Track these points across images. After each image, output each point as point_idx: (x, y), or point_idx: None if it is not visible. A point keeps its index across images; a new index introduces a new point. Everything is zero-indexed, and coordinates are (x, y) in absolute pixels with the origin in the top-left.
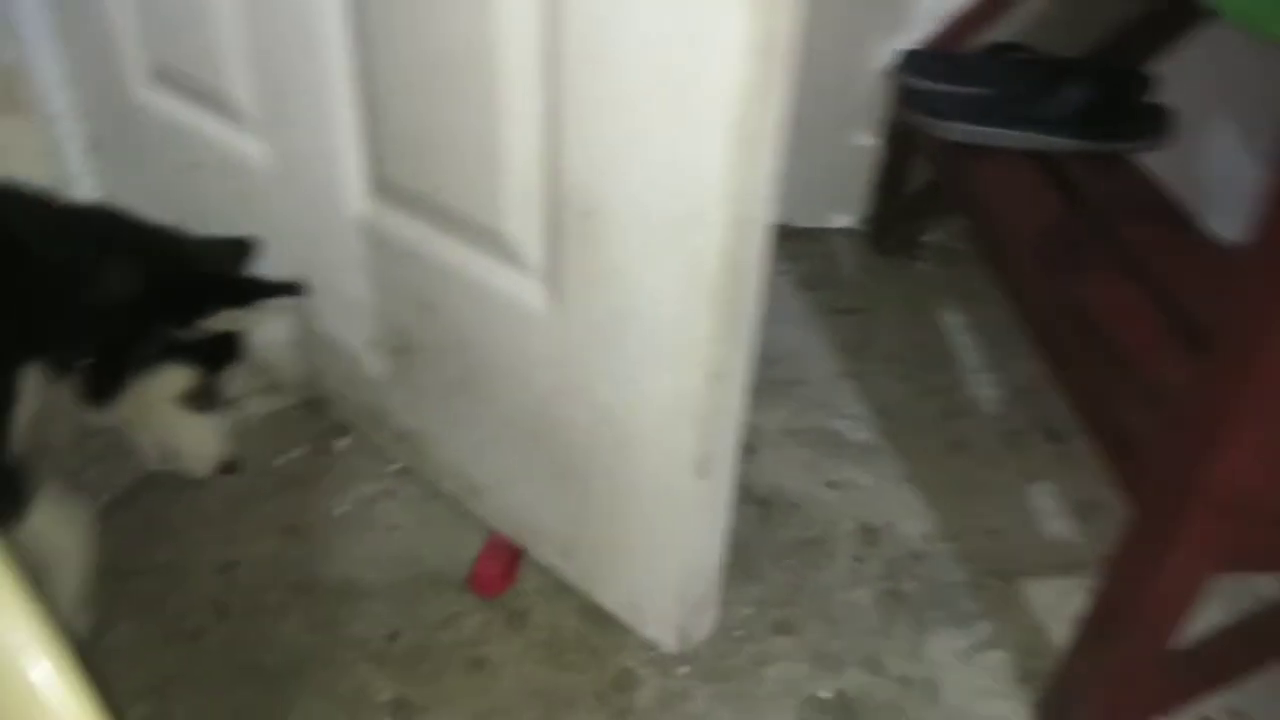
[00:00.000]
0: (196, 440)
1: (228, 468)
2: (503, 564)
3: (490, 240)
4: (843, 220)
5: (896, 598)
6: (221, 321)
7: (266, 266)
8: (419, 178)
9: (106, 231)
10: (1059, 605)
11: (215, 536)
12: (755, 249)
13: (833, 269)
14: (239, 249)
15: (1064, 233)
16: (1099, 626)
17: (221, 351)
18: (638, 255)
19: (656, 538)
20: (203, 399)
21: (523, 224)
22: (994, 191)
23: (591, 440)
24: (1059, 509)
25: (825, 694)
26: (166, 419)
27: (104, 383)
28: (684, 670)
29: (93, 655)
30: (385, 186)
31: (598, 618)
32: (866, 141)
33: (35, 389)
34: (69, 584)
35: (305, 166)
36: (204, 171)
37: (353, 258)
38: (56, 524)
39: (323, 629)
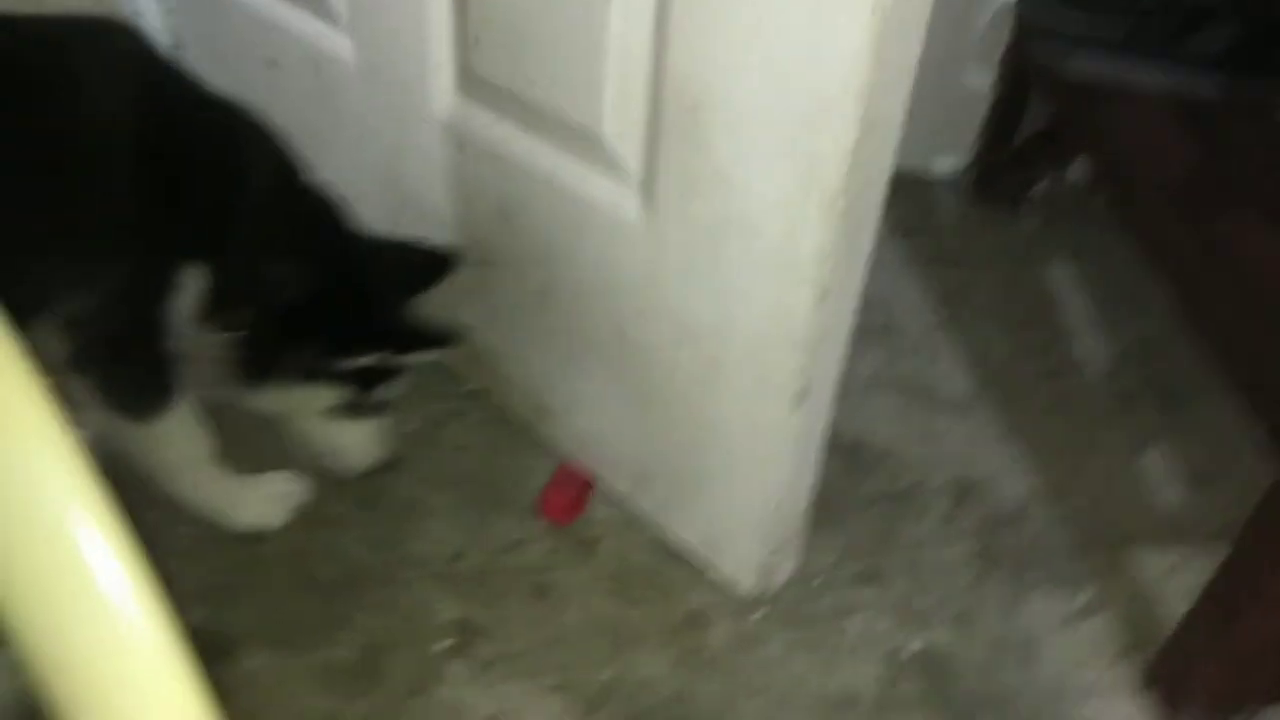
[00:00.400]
0: (351, 442)
1: (387, 465)
2: (572, 492)
3: (583, 142)
4: (945, 166)
5: (991, 557)
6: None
7: (342, 170)
8: (510, 72)
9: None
10: (1169, 577)
11: (280, 445)
12: (884, 153)
13: (932, 216)
14: (438, 263)
15: (1205, 180)
16: (1224, 600)
17: (375, 376)
18: (748, 156)
19: (741, 472)
20: (354, 409)
21: (621, 123)
22: (1127, 135)
23: (677, 364)
24: (1172, 476)
25: (911, 650)
26: (316, 423)
27: (252, 366)
28: (759, 614)
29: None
30: (473, 82)
31: (669, 554)
32: (979, 80)
33: (196, 293)
34: (182, 492)
35: (390, 62)
36: (284, 71)
37: (434, 162)
38: (182, 435)
39: (384, 546)
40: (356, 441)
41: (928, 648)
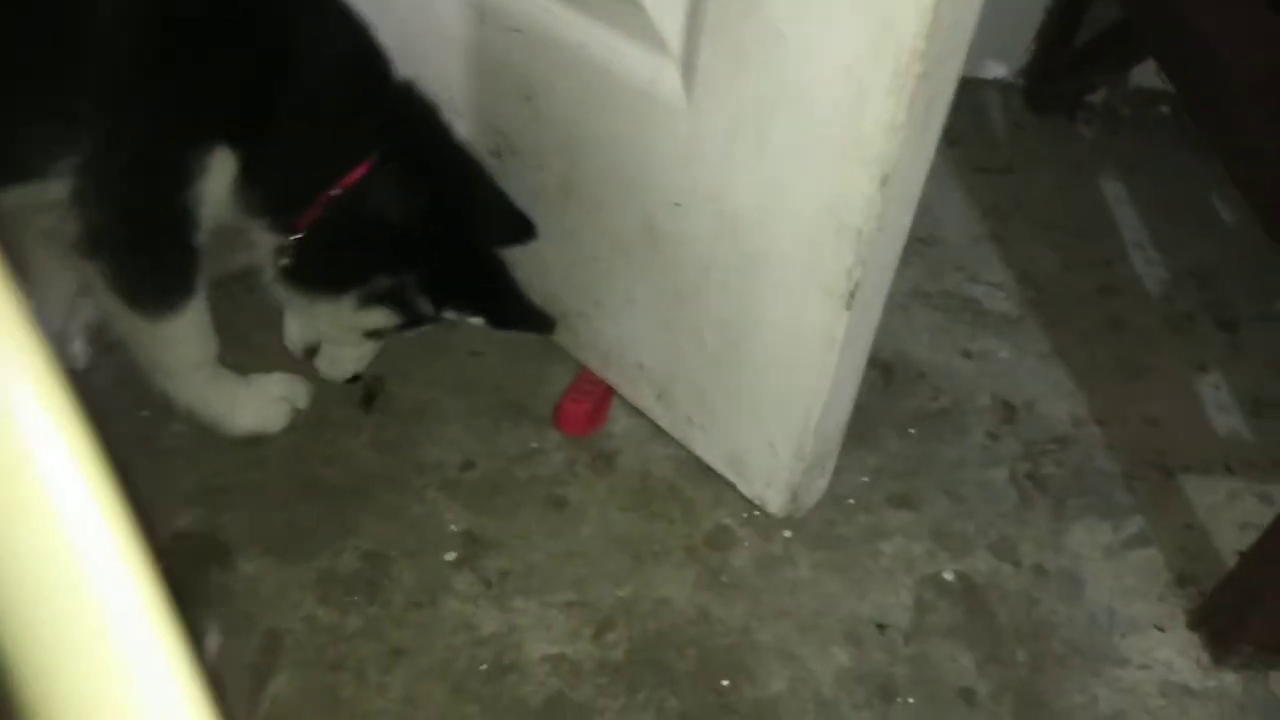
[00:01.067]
0: (347, 356)
1: (356, 381)
2: (591, 402)
3: (617, 8)
4: (997, 70)
5: (1036, 481)
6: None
7: None
8: None
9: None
10: (1224, 506)
11: (278, 344)
12: (968, 12)
13: (982, 123)
14: (517, 225)
15: None
16: None
17: (433, 319)
18: (810, 12)
19: (777, 382)
20: (380, 334)
21: None
22: (1209, 28)
23: (714, 259)
24: (1229, 403)
25: (947, 575)
26: (337, 335)
27: (307, 273)
28: (787, 534)
29: (146, 452)
30: None
31: (693, 470)
32: None
33: (224, 177)
34: (179, 392)
35: None
36: None
37: (452, 37)
38: (191, 336)
39: (392, 450)
40: (350, 357)
41: (965, 575)
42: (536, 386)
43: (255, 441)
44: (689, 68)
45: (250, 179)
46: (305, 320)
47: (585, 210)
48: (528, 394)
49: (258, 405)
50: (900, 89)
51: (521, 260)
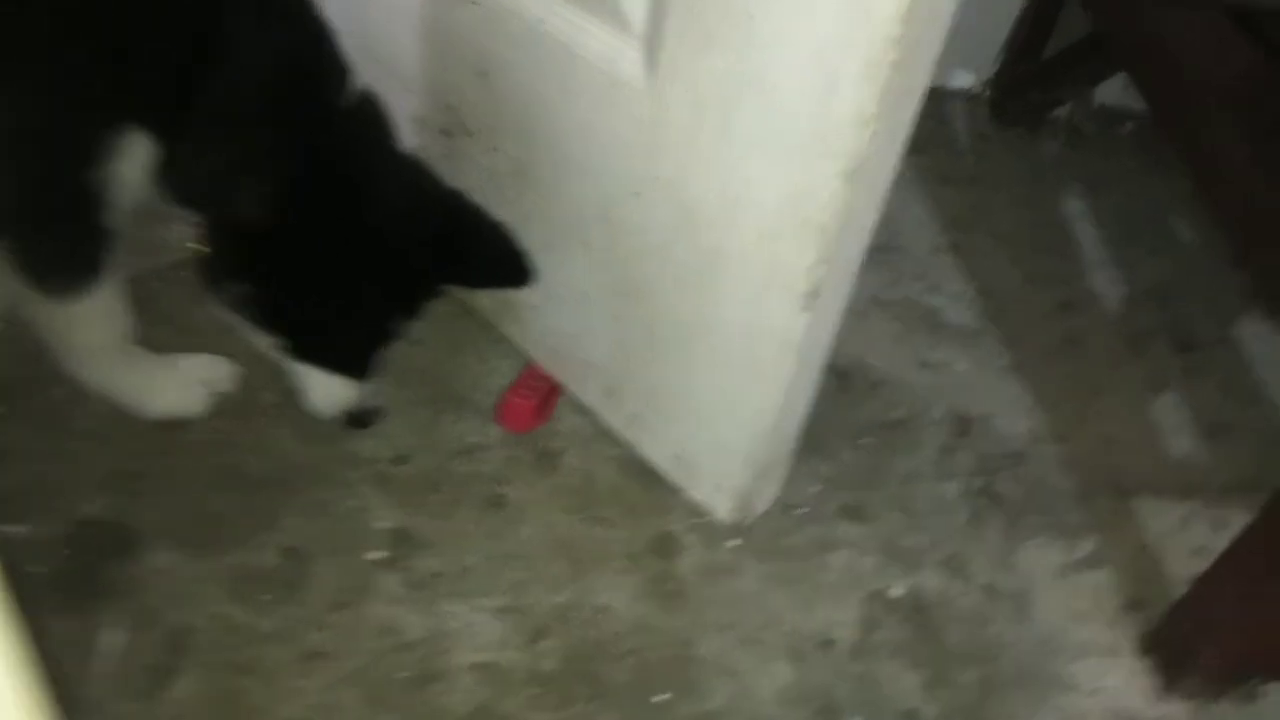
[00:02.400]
0: (318, 387)
1: (358, 420)
2: (536, 398)
3: None
4: (963, 80)
5: (989, 497)
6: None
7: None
8: None
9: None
10: (1178, 531)
11: (212, 324)
12: None
13: (944, 133)
14: (510, 267)
15: (1266, 91)
16: (1245, 567)
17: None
18: None
19: (730, 383)
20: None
21: None
22: (1178, 43)
23: (670, 254)
24: (1185, 425)
25: (896, 592)
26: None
27: (207, 274)
28: (734, 543)
29: (55, 433)
30: None
31: (639, 472)
32: None
33: (137, 161)
34: (88, 374)
35: None
36: None
37: (405, 7)
38: (101, 318)
39: (321, 441)
40: (325, 392)
41: (914, 591)
42: (480, 379)
43: (174, 426)
44: (652, 47)
45: (169, 168)
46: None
47: (539, 196)
48: (470, 386)
49: (175, 388)
50: (873, 78)
51: None
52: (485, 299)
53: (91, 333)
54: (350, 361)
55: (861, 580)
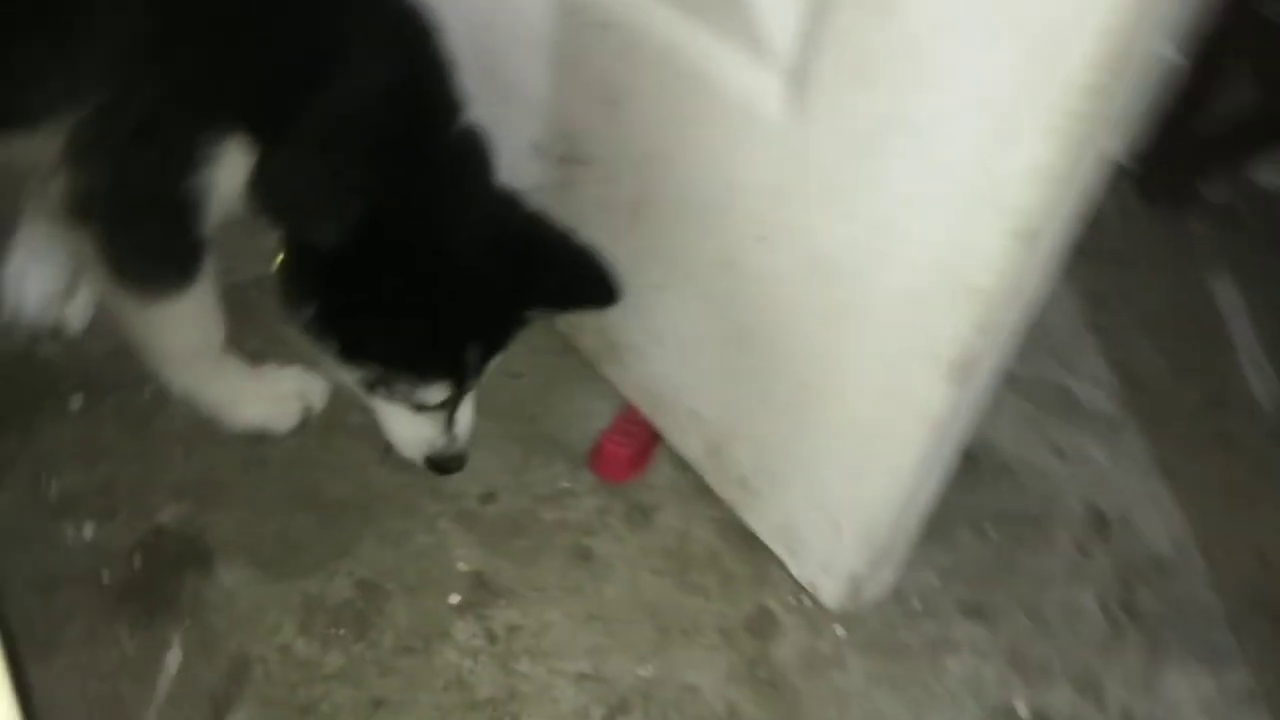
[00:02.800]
0: (400, 431)
1: (440, 465)
2: (634, 447)
3: (720, 6)
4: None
5: (1129, 609)
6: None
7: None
8: None
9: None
10: None
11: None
12: (1150, 33)
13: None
14: (597, 289)
15: None
16: None
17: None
18: (957, 22)
19: (853, 454)
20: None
21: None
22: None
23: (796, 302)
24: None
25: (1021, 709)
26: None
27: (286, 298)
28: (840, 631)
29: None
30: None
31: (739, 538)
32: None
33: (237, 168)
34: (176, 379)
35: None
36: None
37: (533, 29)
38: (193, 322)
39: (405, 468)
40: (406, 433)
41: (1041, 710)
42: (575, 421)
43: (259, 440)
44: (798, 79)
45: (261, 178)
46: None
47: (655, 233)
48: (564, 427)
49: (266, 400)
50: (1057, 129)
51: None
52: (588, 337)
53: (181, 337)
54: (426, 388)
55: (983, 691)
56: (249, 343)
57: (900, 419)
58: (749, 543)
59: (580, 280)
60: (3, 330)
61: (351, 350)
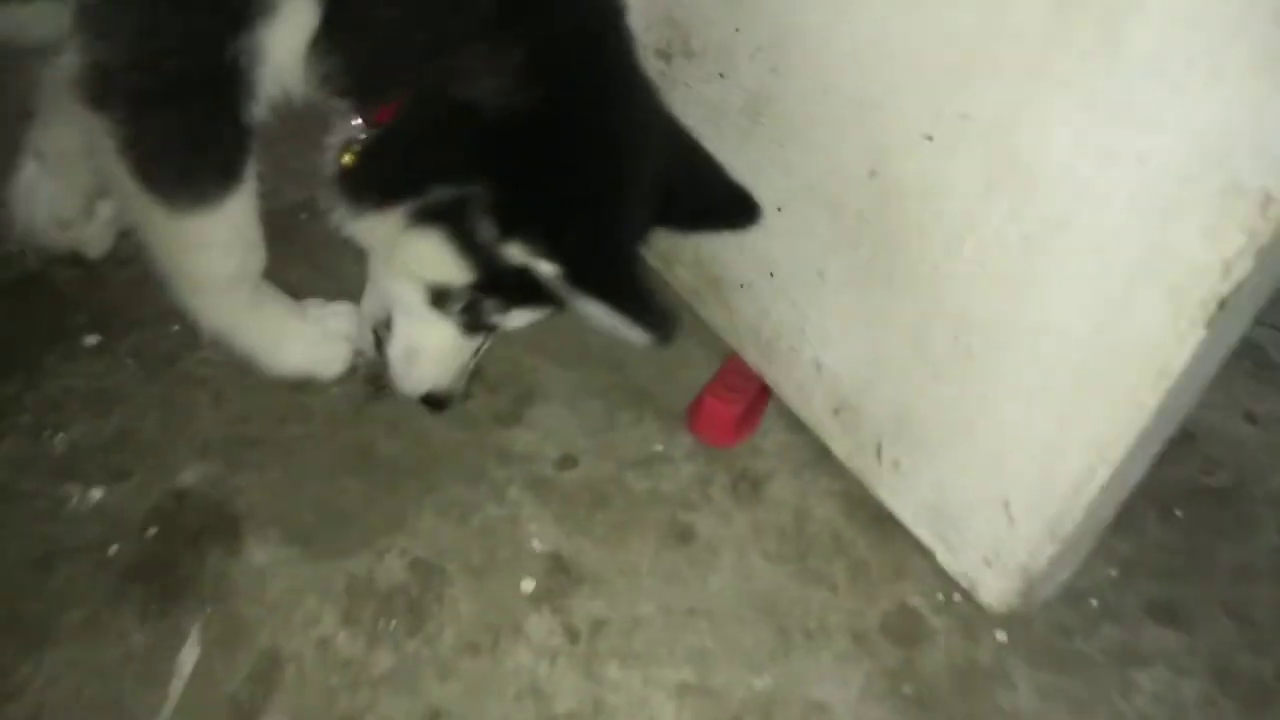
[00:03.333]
0: (426, 351)
1: (435, 402)
2: (741, 404)
3: None
4: None
5: None
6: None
7: None
8: None
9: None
10: None
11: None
12: None
13: None
14: (736, 209)
15: None
16: None
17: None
18: None
19: (1047, 419)
20: (466, 313)
21: None
22: None
23: (975, 220)
24: None
25: None
26: (401, 294)
27: (361, 175)
28: (1002, 637)
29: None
30: None
31: (871, 518)
32: None
33: (295, 28)
34: (206, 313)
35: None
36: None
37: None
38: (231, 236)
39: (471, 425)
40: (433, 363)
41: None
42: (669, 371)
43: (299, 387)
44: None
45: (331, 39)
46: (372, 280)
47: (779, 140)
48: (657, 379)
49: (310, 341)
50: None
51: None
52: (683, 271)
53: (216, 259)
54: (523, 309)
55: (1182, 711)
56: (290, 275)
57: (1123, 371)
58: (883, 524)
59: (717, 195)
60: (11, 253)
61: (521, 235)
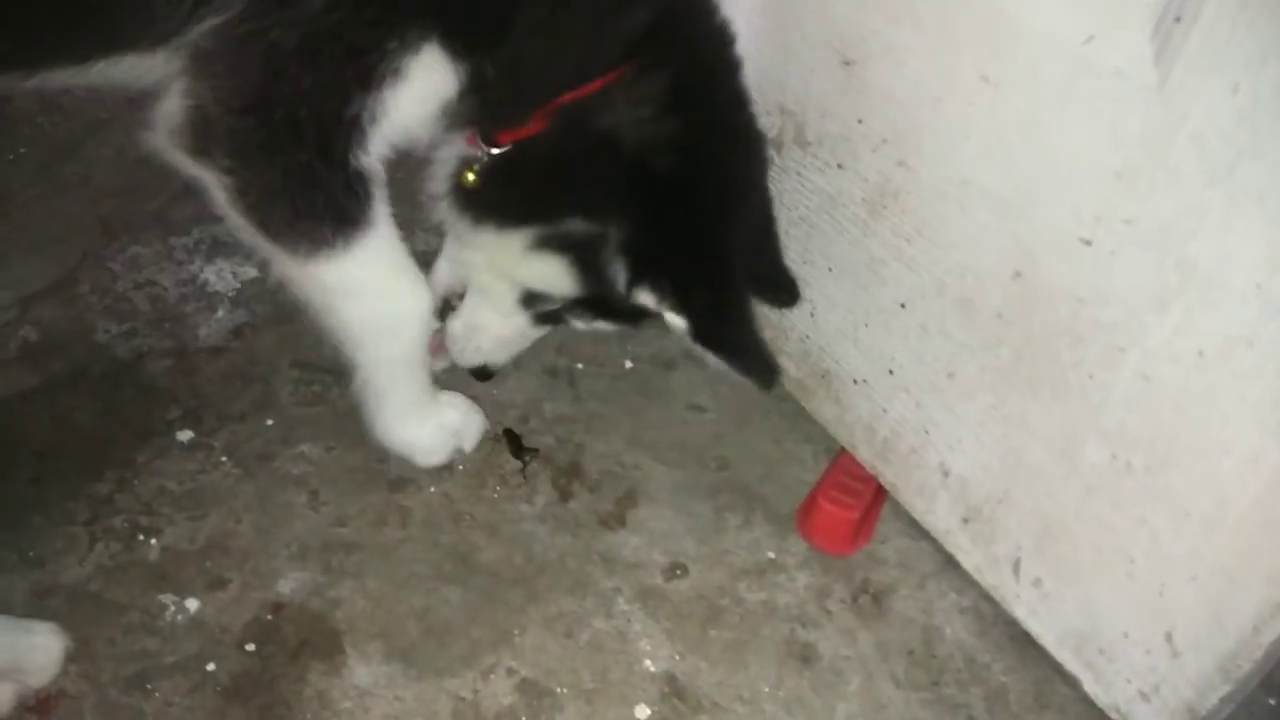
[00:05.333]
0: (487, 331)
1: (483, 374)
2: (858, 508)
3: None
4: None
5: None
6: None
7: None
8: None
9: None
10: None
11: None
12: None
13: None
14: (782, 289)
15: None
16: None
17: (618, 308)
18: None
19: (1222, 545)
20: (547, 312)
21: None
22: None
23: (1143, 335)
24: None
25: None
26: (489, 287)
27: (489, 196)
28: None
29: (260, 473)
30: None
31: (1006, 638)
32: None
33: (425, 87)
34: (375, 364)
35: None
36: None
37: None
38: (387, 270)
39: (574, 529)
40: (498, 347)
41: None
42: (776, 467)
43: (398, 484)
44: (1170, 16)
45: (469, 87)
46: (459, 259)
47: (905, 235)
48: (763, 476)
49: (424, 426)
50: None
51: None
52: (789, 364)
53: (373, 303)
54: (611, 320)
55: None
56: None
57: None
58: (1020, 645)
59: (766, 268)
60: (100, 344)
61: (652, 284)
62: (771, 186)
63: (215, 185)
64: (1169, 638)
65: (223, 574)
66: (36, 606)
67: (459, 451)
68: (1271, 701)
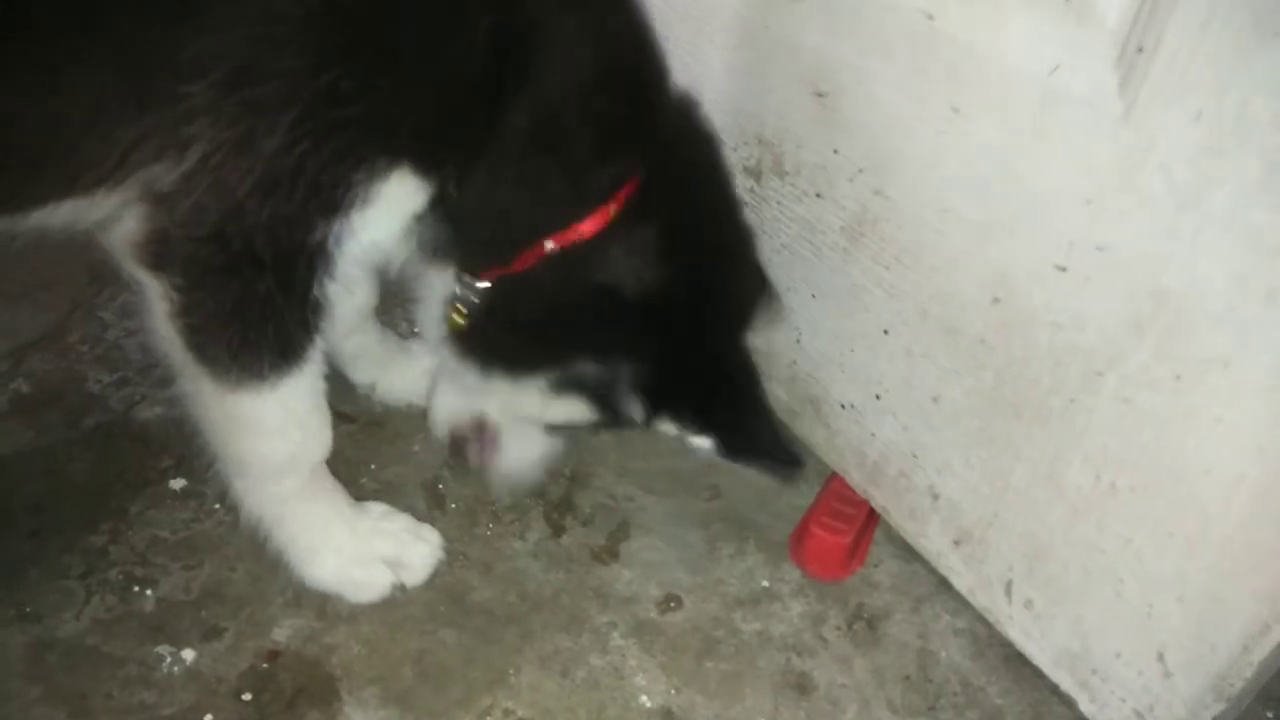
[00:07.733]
0: (517, 453)
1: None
2: (850, 533)
3: None
4: None
5: None
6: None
7: None
8: None
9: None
10: None
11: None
12: None
13: None
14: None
15: None
16: None
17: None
18: None
19: (1210, 563)
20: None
21: None
22: None
23: (1116, 359)
24: None
25: None
26: (508, 423)
27: (488, 342)
28: None
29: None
30: None
31: (1001, 660)
32: None
33: (396, 209)
34: (247, 497)
35: None
36: None
37: (717, 3)
38: (293, 421)
39: (567, 564)
40: (526, 453)
41: None
42: (767, 495)
43: None
44: (1130, 60)
45: (442, 214)
46: (464, 395)
47: (884, 262)
48: (755, 504)
49: (348, 560)
50: None
51: (799, 317)
52: (779, 389)
53: (265, 445)
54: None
55: None
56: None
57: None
58: (1015, 667)
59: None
60: (94, 395)
61: (671, 414)
62: (752, 216)
63: (158, 296)
64: (1160, 657)
65: (218, 623)
66: (33, 662)
67: (400, 588)
68: (1269, 715)
